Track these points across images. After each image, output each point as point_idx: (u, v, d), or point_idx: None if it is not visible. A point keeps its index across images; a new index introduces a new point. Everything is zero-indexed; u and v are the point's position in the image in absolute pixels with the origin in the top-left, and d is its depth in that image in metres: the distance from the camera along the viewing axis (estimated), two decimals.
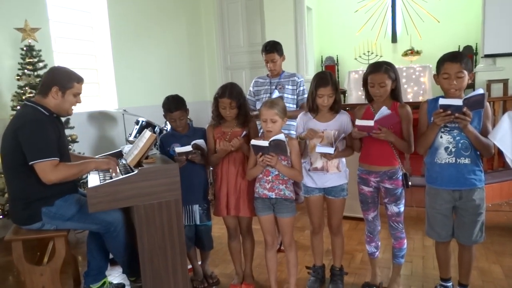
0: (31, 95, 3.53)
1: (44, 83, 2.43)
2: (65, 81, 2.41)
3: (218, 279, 2.83)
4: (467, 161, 2.14)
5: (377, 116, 2.19)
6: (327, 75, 2.41)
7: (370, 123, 2.18)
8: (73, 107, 2.51)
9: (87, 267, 2.63)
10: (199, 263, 2.87)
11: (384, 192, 2.42)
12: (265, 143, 2.20)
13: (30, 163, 2.22)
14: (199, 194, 2.65)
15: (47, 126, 2.31)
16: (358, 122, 2.25)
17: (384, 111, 2.19)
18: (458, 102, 1.96)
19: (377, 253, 2.60)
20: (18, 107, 3.45)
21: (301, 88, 3.30)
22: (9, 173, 2.39)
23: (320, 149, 2.32)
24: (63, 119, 3.81)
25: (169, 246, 2.26)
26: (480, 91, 1.95)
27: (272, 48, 3.25)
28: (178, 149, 2.46)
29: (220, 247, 3.32)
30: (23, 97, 3.57)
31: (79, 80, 2.49)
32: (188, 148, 2.45)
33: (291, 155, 2.33)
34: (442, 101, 2.01)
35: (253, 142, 2.25)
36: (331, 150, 2.29)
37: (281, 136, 2.20)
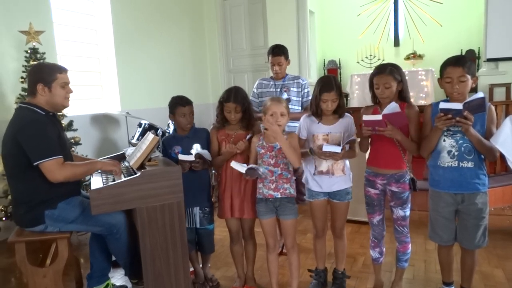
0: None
1: (29, 84, 2.41)
2: (46, 75, 2.36)
3: (218, 283, 2.83)
4: (470, 165, 2.14)
5: (385, 110, 2.18)
6: (331, 80, 2.41)
7: (378, 117, 2.18)
8: (69, 98, 2.46)
9: (90, 269, 2.63)
10: (201, 265, 2.87)
11: (391, 195, 2.41)
12: (243, 168, 2.28)
13: (35, 163, 2.22)
14: (201, 197, 2.66)
15: (46, 126, 2.30)
16: (366, 117, 2.25)
17: (393, 106, 2.18)
18: (458, 106, 1.96)
19: (381, 259, 2.58)
20: None
21: (306, 90, 3.32)
22: (12, 176, 2.39)
23: (327, 147, 2.31)
24: (66, 120, 3.87)
25: (171, 249, 2.26)
26: (480, 94, 1.96)
27: (280, 51, 3.26)
28: (181, 157, 2.46)
29: (222, 250, 3.32)
30: (26, 99, 3.57)
31: (61, 70, 2.42)
32: (191, 157, 2.45)
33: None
34: (442, 105, 2.02)
35: (233, 164, 2.32)
36: (338, 149, 2.27)
37: (255, 166, 2.28)
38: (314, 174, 2.48)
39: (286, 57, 3.30)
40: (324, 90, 2.37)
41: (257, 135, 2.46)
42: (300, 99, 3.31)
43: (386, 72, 2.29)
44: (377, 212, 2.49)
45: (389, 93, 2.29)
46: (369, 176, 2.47)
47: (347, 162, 2.51)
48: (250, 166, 2.27)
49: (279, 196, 2.37)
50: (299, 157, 2.36)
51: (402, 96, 2.36)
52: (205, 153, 2.48)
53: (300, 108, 3.30)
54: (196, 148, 2.49)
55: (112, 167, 2.44)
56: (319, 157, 2.40)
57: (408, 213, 2.43)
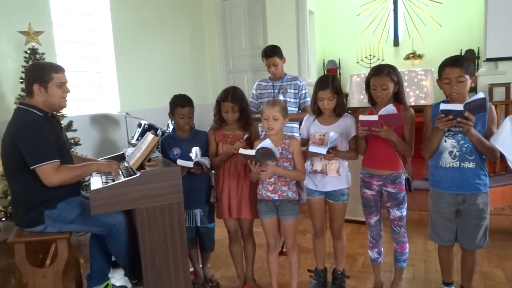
0: None
1: (26, 84, 2.39)
2: (42, 75, 2.32)
3: (218, 283, 2.83)
4: (471, 165, 2.13)
5: (382, 111, 2.18)
6: (328, 79, 2.41)
7: (374, 117, 2.19)
8: (66, 98, 2.43)
9: (90, 270, 2.64)
10: (200, 266, 2.87)
11: (387, 196, 2.41)
12: (252, 152, 2.20)
13: (32, 167, 2.21)
14: (201, 198, 2.65)
15: (44, 128, 2.28)
16: (362, 117, 2.25)
17: (390, 108, 2.18)
18: (459, 107, 1.96)
19: (380, 259, 2.59)
20: None
21: (303, 92, 3.32)
22: (11, 177, 2.38)
23: (313, 148, 2.32)
24: (65, 120, 3.87)
25: (171, 249, 2.26)
26: (481, 95, 1.95)
27: (272, 52, 3.26)
28: (180, 162, 2.43)
29: (222, 250, 3.32)
30: (25, 100, 3.56)
31: (57, 70, 2.38)
32: (190, 164, 2.43)
33: (293, 155, 2.35)
34: (443, 106, 2.02)
35: (241, 151, 2.25)
36: (323, 151, 2.28)
37: (267, 143, 2.17)
38: (309, 172, 2.49)
39: (280, 56, 3.30)
40: (319, 88, 2.39)
41: (259, 139, 2.46)
42: (297, 100, 3.31)
43: (383, 73, 2.29)
44: (374, 213, 2.49)
45: (386, 94, 2.29)
46: (364, 177, 2.47)
47: (345, 163, 2.50)
48: (260, 146, 2.14)
49: (277, 198, 2.37)
50: (303, 171, 2.38)
51: (398, 98, 2.36)
52: (204, 162, 2.45)
53: (297, 109, 3.31)
54: (196, 152, 2.47)
55: (108, 168, 2.43)
56: (308, 156, 2.41)
57: (404, 213, 2.43)
